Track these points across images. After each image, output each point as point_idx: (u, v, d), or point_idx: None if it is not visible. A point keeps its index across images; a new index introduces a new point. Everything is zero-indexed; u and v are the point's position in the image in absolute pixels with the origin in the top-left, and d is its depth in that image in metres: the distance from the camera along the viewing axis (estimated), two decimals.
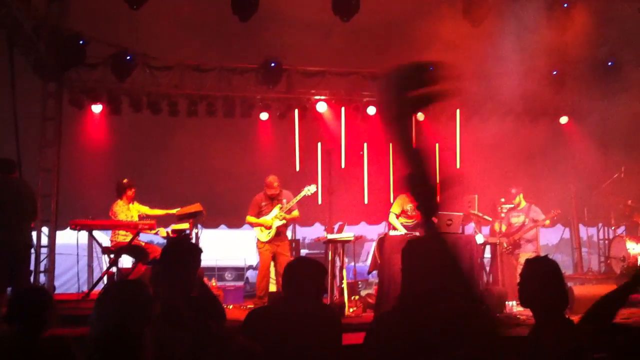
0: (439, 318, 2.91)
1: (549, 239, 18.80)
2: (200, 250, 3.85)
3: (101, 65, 10.65)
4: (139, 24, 9.83)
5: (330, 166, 11.07)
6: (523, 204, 9.77)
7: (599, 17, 10.02)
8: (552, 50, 10.91)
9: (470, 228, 9.97)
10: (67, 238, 10.21)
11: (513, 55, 10.42)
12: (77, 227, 8.33)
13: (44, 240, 10.14)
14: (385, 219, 9.36)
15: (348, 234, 9.23)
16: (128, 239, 8.63)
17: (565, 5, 9.71)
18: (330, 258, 9.12)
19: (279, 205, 9.15)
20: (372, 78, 11.85)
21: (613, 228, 11.25)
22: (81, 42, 9.84)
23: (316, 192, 9.63)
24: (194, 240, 8.77)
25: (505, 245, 9.70)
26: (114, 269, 8.74)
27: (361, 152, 11.51)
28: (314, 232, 13.18)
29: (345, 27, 10.01)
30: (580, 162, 12.54)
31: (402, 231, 8.75)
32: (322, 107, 11.87)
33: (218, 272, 15.71)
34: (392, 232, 8.83)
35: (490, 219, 10.07)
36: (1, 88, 8.15)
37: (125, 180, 9.21)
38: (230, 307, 9.61)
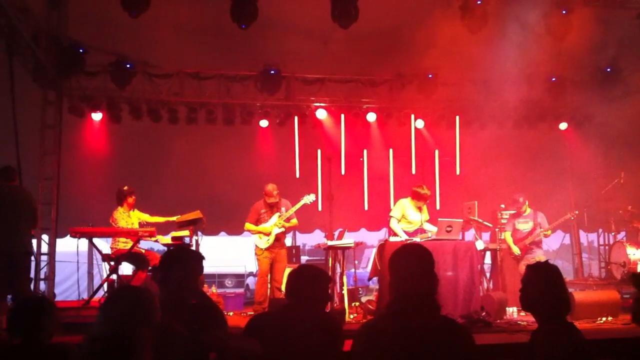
0: (420, 327, 2.91)
1: (550, 244, 18.71)
2: (200, 258, 3.83)
3: (101, 73, 10.68)
4: (139, 32, 9.86)
5: (330, 173, 11.12)
6: (528, 210, 9.75)
7: (597, 23, 10.05)
8: (552, 56, 10.95)
9: (470, 234, 9.96)
10: (68, 245, 10.19)
11: (512, 61, 10.45)
12: (77, 235, 8.33)
13: (44, 248, 10.14)
14: (386, 225, 9.37)
15: (348, 240, 9.23)
16: (128, 246, 8.63)
17: (564, 11, 9.73)
18: (330, 264, 9.13)
19: (278, 214, 9.16)
20: (372, 85, 11.88)
21: (613, 234, 11.26)
22: (81, 50, 9.86)
23: (315, 201, 9.63)
24: (194, 248, 8.77)
25: (514, 253, 9.66)
26: (114, 277, 8.73)
27: (361, 159, 11.52)
28: (314, 238, 13.18)
29: (345, 34, 10.03)
30: (579, 168, 12.55)
31: (403, 237, 8.75)
32: (321, 114, 11.87)
33: (218, 279, 15.66)
34: (392, 238, 8.83)
35: (490, 225, 10.06)
36: (1, 96, 8.17)
37: (125, 188, 9.21)
38: (231, 314, 9.61)
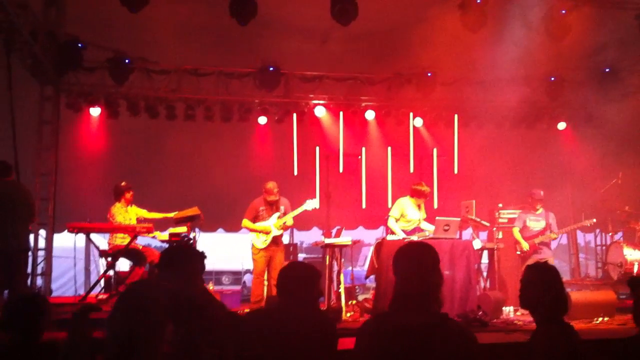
0: (421, 325, 2.90)
1: None
2: (201, 256, 3.82)
3: (98, 69, 10.65)
4: (137, 28, 9.84)
5: (328, 171, 11.12)
6: (540, 209, 9.69)
7: (596, 23, 10.05)
8: (550, 56, 10.95)
9: (467, 233, 9.96)
10: (65, 241, 10.20)
11: (511, 60, 10.45)
12: (74, 230, 8.32)
13: (42, 243, 10.14)
14: (383, 223, 9.37)
15: (346, 238, 9.23)
16: (126, 241, 8.63)
17: (563, 11, 9.72)
18: (327, 262, 9.13)
19: (278, 213, 9.13)
20: (370, 83, 11.88)
21: (610, 234, 11.26)
22: (79, 45, 9.84)
23: (314, 203, 9.60)
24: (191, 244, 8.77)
25: (520, 250, 9.59)
26: (111, 272, 8.73)
27: (359, 157, 11.52)
28: (312, 236, 13.21)
29: (343, 32, 10.02)
30: (577, 168, 12.56)
31: (401, 236, 8.76)
32: (320, 111, 11.87)
33: (215, 276, 15.69)
34: (390, 237, 8.83)
35: (488, 224, 10.06)
36: None
37: (123, 184, 9.21)
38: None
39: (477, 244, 9.16)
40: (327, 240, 9.22)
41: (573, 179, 12.91)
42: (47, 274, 10.10)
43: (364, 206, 11.85)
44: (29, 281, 8.47)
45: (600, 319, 8.12)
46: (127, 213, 9.13)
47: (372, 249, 9.42)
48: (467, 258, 8.36)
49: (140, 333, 2.68)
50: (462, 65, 11.25)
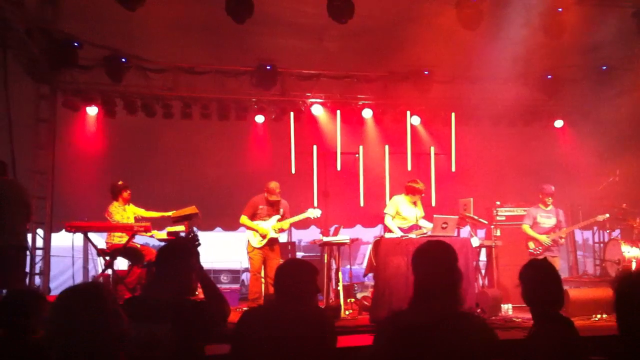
0: (438, 320, 2.93)
1: None
2: (193, 253, 3.80)
3: (95, 67, 10.61)
4: (133, 26, 9.81)
5: (326, 169, 11.11)
6: (550, 205, 9.59)
7: (593, 21, 10.05)
8: (547, 54, 10.95)
9: (465, 231, 9.96)
10: (63, 240, 10.17)
11: (508, 58, 10.44)
12: (72, 229, 8.31)
13: (39, 243, 10.11)
14: (381, 221, 9.37)
15: (344, 236, 9.25)
16: (123, 240, 8.62)
17: (560, 9, 9.72)
18: (326, 261, 9.14)
19: (278, 216, 9.12)
20: (367, 81, 11.86)
21: (608, 231, 11.27)
22: (74, 44, 9.80)
23: (311, 197, 9.61)
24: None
25: (537, 247, 9.38)
26: (109, 271, 8.72)
27: (357, 155, 11.51)
28: (310, 234, 13.20)
29: (340, 31, 10.00)
30: (574, 165, 12.57)
31: (397, 233, 8.75)
32: (317, 109, 11.86)
33: (214, 274, 15.67)
34: (387, 235, 8.83)
35: (486, 222, 10.06)
36: None
37: (120, 182, 9.21)
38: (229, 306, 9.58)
39: (475, 242, 9.16)
40: (325, 239, 9.23)
41: (570, 176, 12.91)
42: (45, 273, 10.07)
43: (361, 204, 11.83)
44: (27, 280, 8.43)
45: (599, 316, 8.14)
46: (124, 212, 9.12)
47: (370, 247, 9.43)
48: (465, 256, 8.36)
49: (85, 337, 2.59)
50: (459, 63, 11.24)
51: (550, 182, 9.92)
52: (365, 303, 9.11)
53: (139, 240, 9.26)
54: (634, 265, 9.54)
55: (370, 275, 9.28)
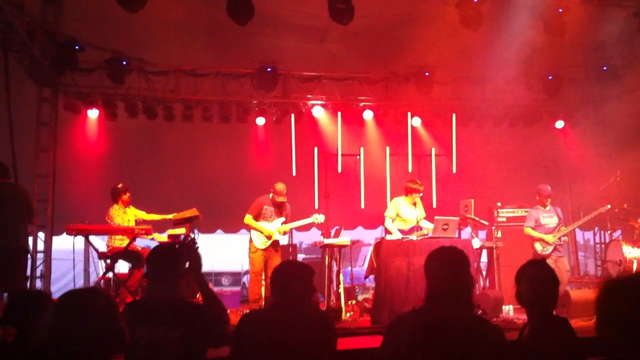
0: (450, 322, 2.99)
1: None
2: (181, 257, 3.77)
3: (96, 70, 10.63)
4: (135, 29, 9.84)
5: (327, 171, 11.10)
6: (549, 205, 9.39)
7: (594, 21, 10.05)
8: (548, 54, 10.95)
9: (466, 232, 9.96)
10: (64, 243, 10.17)
11: (509, 59, 10.45)
12: (73, 232, 8.31)
13: (40, 246, 10.11)
14: (382, 223, 9.37)
15: (345, 238, 9.24)
16: (124, 243, 8.62)
17: (561, 9, 9.72)
18: (327, 262, 9.13)
19: (283, 219, 9.12)
20: (368, 82, 11.87)
21: (609, 232, 11.25)
22: (76, 47, 9.82)
23: (312, 199, 9.60)
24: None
25: (544, 247, 9.11)
26: (110, 274, 8.72)
27: (358, 157, 11.51)
28: (311, 236, 13.18)
29: (341, 32, 10.02)
30: (576, 166, 12.56)
31: (398, 235, 8.75)
32: (318, 111, 11.87)
33: (215, 277, 15.68)
34: (388, 237, 8.82)
35: (487, 223, 10.05)
36: None
37: (120, 185, 9.22)
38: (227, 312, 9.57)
39: (476, 243, 9.16)
40: (326, 241, 9.22)
41: (571, 177, 12.92)
42: (46, 276, 10.07)
43: (362, 206, 11.83)
44: (28, 283, 8.43)
45: None
46: (125, 215, 9.12)
47: (371, 248, 9.42)
48: None
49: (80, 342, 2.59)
50: (460, 64, 11.26)
51: (551, 182, 9.88)
52: (366, 305, 9.11)
53: (140, 242, 9.25)
54: (635, 266, 9.53)
55: (371, 277, 9.27)
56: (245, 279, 15.24)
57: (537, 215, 9.27)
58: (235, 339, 3.60)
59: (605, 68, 11.64)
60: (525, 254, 9.35)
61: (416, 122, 12.20)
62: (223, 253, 15.74)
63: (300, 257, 14.24)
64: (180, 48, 10.67)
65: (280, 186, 9.09)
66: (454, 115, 12.18)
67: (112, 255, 8.75)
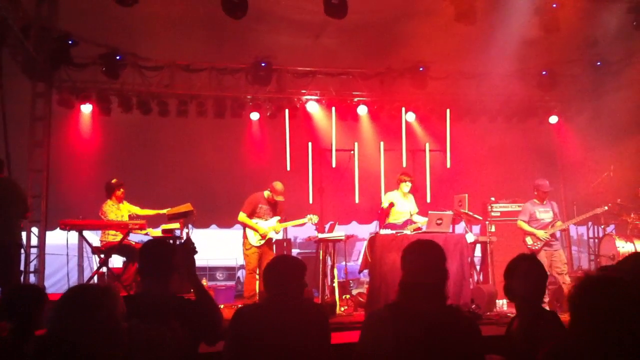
0: (426, 314, 3.05)
1: None
2: (174, 251, 3.77)
3: (91, 65, 10.61)
4: (129, 24, 9.79)
5: (321, 166, 11.11)
6: (545, 200, 9.34)
7: (588, 17, 10.07)
8: (542, 50, 10.97)
9: (460, 227, 9.99)
10: (57, 238, 10.15)
11: (503, 55, 10.46)
12: (67, 227, 8.28)
13: (34, 241, 10.09)
14: (376, 218, 9.40)
15: (339, 233, 9.26)
16: (118, 238, 8.61)
17: (555, 5, 9.74)
18: (321, 257, 9.14)
19: (279, 218, 9.14)
20: (363, 78, 11.88)
21: (603, 227, 11.29)
22: (70, 42, 9.79)
23: (306, 194, 9.62)
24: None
25: (533, 242, 9.12)
26: (104, 269, 8.71)
27: (352, 152, 11.52)
28: (305, 231, 13.18)
29: (336, 27, 10.01)
30: (569, 161, 12.60)
31: (386, 203, 8.97)
32: (312, 107, 11.88)
33: (209, 271, 15.68)
34: (383, 231, 8.84)
35: (481, 218, 10.09)
36: None
37: (114, 181, 9.20)
38: (222, 306, 9.59)
39: (470, 238, 9.18)
40: (321, 235, 9.24)
41: (565, 172, 12.97)
42: (40, 271, 10.06)
43: (357, 201, 11.85)
44: (22, 278, 8.42)
45: None
46: (119, 210, 9.11)
47: (365, 243, 9.45)
48: (460, 252, 8.38)
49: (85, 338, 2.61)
50: (454, 60, 11.26)
51: (545, 177, 9.89)
52: (361, 299, 9.14)
53: (134, 237, 9.25)
54: None
55: (366, 271, 9.30)
56: (240, 273, 15.27)
57: (532, 210, 9.27)
58: (230, 333, 3.61)
59: (599, 63, 11.68)
60: (518, 249, 9.38)
61: (410, 117, 12.22)
62: (217, 248, 15.74)
63: (295, 251, 14.25)
64: (174, 43, 10.63)
65: (279, 186, 9.10)
66: (448, 110, 12.20)
67: (106, 250, 8.74)
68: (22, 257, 8.07)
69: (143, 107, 11.20)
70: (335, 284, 8.96)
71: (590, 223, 12.58)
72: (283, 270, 3.74)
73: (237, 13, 8.77)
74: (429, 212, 8.80)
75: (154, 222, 9.31)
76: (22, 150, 9.87)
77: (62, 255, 10.04)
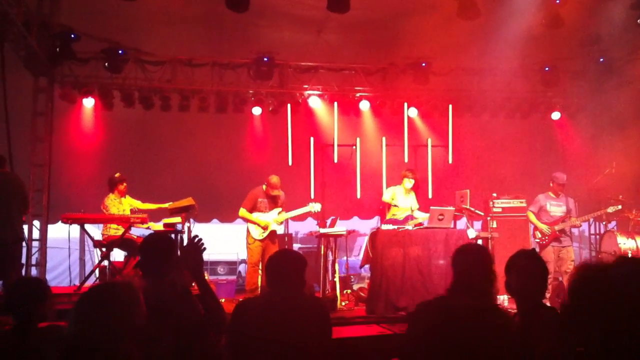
0: (469, 309, 3.26)
1: None
2: (174, 246, 3.78)
3: (93, 60, 10.62)
4: (131, 19, 9.80)
5: (323, 161, 11.11)
6: (561, 194, 9.32)
7: (591, 13, 10.05)
8: (545, 46, 10.96)
9: (462, 223, 9.98)
10: (59, 232, 10.18)
11: (506, 50, 10.45)
12: (69, 221, 8.31)
13: (36, 234, 10.13)
14: (378, 213, 9.41)
15: (340, 228, 9.27)
16: (119, 232, 8.64)
17: (558, 1, 9.72)
18: (322, 252, 9.15)
19: (279, 209, 9.15)
20: (365, 73, 11.87)
21: (604, 223, 11.28)
22: (72, 36, 9.79)
23: (308, 189, 9.62)
24: (186, 234, 8.76)
25: (542, 236, 9.16)
26: (105, 263, 8.73)
27: (354, 147, 11.52)
28: (307, 226, 13.20)
29: (338, 23, 10.00)
30: (571, 157, 12.58)
31: (388, 195, 8.99)
32: (314, 102, 11.87)
33: (211, 266, 15.68)
34: (384, 227, 8.84)
35: (482, 214, 10.07)
36: None
37: (117, 175, 9.21)
38: (223, 300, 9.61)
39: (471, 234, 9.17)
40: (322, 230, 9.24)
41: (567, 168, 12.93)
42: (41, 264, 10.10)
43: (358, 196, 11.83)
44: (23, 272, 8.45)
45: None
46: (120, 205, 9.12)
47: (366, 238, 9.47)
48: None
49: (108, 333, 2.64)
50: (456, 55, 11.25)
51: (547, 173, 9.89)
52: (362, 294, 9.15)
53: (136, 232, 9.26)
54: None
55: (367, 266, 9.31)
56: (241, 267, 15.30)
57: (543, 202, 9.28)
58: (231, 326, 3.62)
59: (602, 60, 11.66)
60: (520, 245, 9.40)
61: (413, 112, 12.20)
62: (219, 242, 15.75)
63: (296, 246, 14.27)
64: (177, 38, 10.64)
65: (274, 179, 9.11)
66: (450, 106, 12.17)
67: (108, 244, 8.76)
68: (24, 250, 8.10)
69: (145, 102, 11.21)
70: (337, 279, 8.97)
71: (591, 219, 12.57)
72: (284, 264, 3.75)
73: (239, 7, 8.78)
74: (431, 207, 8.80)
75: (155, 216, 9.32)
76: (24, 145, 9.89)
77: (64, 249, 10.07)
